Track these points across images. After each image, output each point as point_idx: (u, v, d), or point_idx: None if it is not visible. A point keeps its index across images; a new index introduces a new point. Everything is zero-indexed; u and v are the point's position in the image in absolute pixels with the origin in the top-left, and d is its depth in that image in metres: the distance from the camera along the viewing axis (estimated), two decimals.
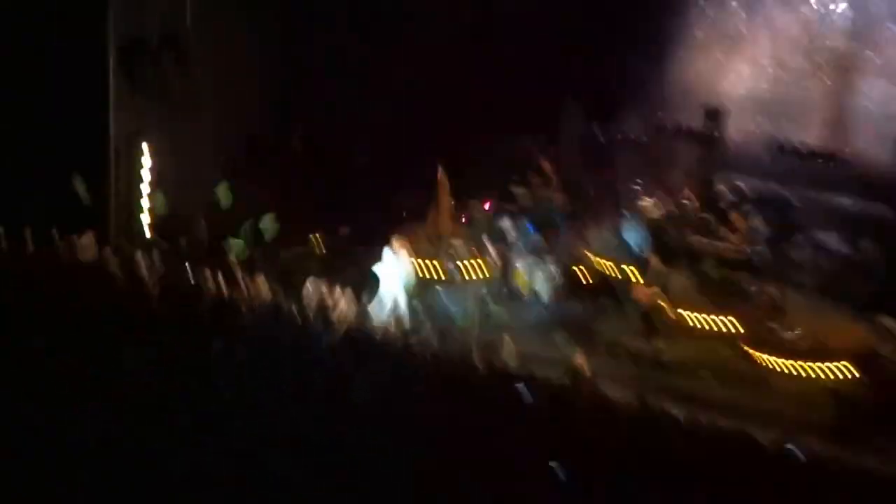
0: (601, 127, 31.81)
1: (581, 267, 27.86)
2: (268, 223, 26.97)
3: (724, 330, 25.67)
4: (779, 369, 24.29)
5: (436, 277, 26.57)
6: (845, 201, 30.42)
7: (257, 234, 27.20)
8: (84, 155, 26.13)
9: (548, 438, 17.04)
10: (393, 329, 22.38)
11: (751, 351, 24.76)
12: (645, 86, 32.09)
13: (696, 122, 31.96)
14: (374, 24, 29.78)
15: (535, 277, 26.65)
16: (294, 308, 22.08)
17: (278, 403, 16.46)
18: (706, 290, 26.61)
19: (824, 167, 30.74)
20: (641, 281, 25.67)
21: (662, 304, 25.71)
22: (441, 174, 27.40)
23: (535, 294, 26.65)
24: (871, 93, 32.15)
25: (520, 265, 26.81)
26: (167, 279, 22.12)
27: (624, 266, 27.40)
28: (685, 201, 29.54)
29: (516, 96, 29.40)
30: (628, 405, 19.52)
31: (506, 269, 26.80)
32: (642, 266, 26.00)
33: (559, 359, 22.74)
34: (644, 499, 15.49)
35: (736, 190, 30.65)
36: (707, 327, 25.80)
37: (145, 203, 27.28)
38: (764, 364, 24.45)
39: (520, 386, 19.24)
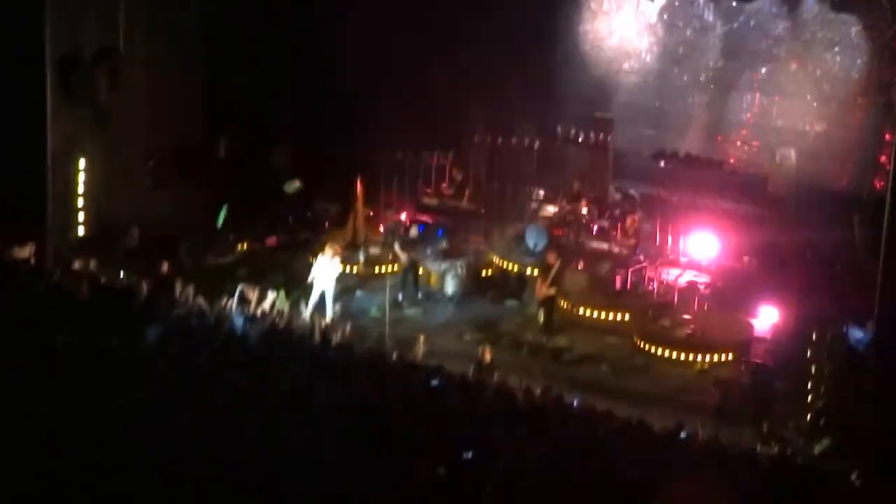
0: (502, 137, 31.95)
1: (487, 268, 28.17)
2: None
3: (618, 324, 26.19)
4: (668, 359, 24.82)
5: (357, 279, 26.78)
6: (725, 204, 30.95)
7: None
8: (22, 164, 26.04)
9: (457, 427, 17.42)
10: (317, 325, 22.52)
11: (642, 344, 25.25)
12: (542, 98, 32.32)
13: (589, 131, 32.20)
14: (299, 39, 29.73)
15: (445, 279, 26.91)
16: (220, 308, 22.42)
17: (203, 392, 16.65)
18: (602, 289, 27.00)
19: (705, 173, 31.18)
20: (542, 280, 25.83)
21: (562, 301, 26.07)
22: (358, 185, 27.62)
23: (445, 294, 26.93)
24: (746, 105, 32.81)
25: (431, 268, 27.03)
26: (101, 281, 22.23)
27: (526, 267, 27.79)
28: (581, 206, 29.76)
29: (425, 109, 29.53)
30: (528, 394, 19.97)
31: (416, 273, 27.03)
32: (543, 266, 26.19)
33: (468, 354, 23.27)
34: (543, 481, 15.85)
35: (626, 195, 31.13)
36: (603, 322, 26.31)
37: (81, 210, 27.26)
38: (655, 355, 24.94)
39: (433, 379, 19.72)
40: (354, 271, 27.49)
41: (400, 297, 26.46)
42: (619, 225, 29.19)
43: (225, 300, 22.76)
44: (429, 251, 27.51)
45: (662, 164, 31.35)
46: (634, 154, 32.62)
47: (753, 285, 27.17)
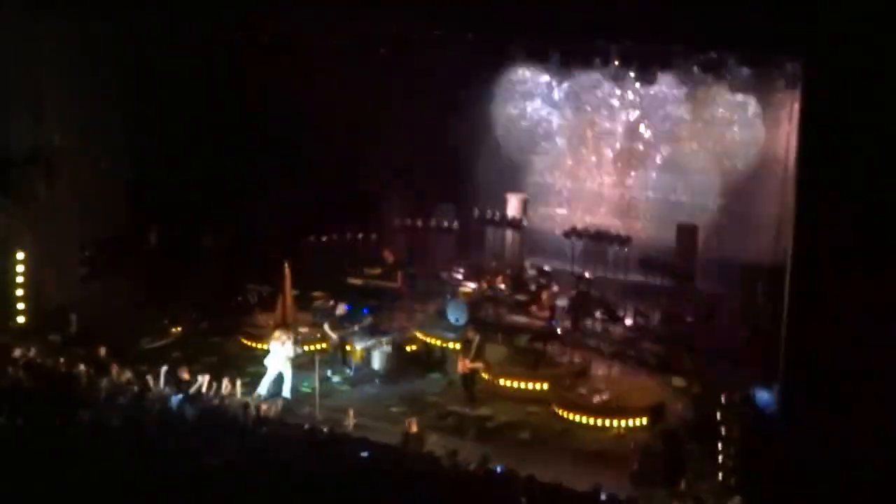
0: (420, 217, 32.75)
1: (411, 344, 28.77)
2: None
3: (536, 393, 26.70)
4: (586, 425, 25.32)
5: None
6: (633, 277, 31.79)
7: None
8: None
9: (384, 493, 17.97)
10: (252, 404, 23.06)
11: (561, 411, 25.75)
12: (459, 180, 33.15)
13: (503, 211, 33.05)
14: (225, 129, 30.32)
15: (372, 355, 27.48)
16: (155, 389, 22.91)
17: (140, 468, 17.11)
18: (521, 360, 27.64)
19: (615, 248, 32.02)
20: (463, 354, 26.47)
21: (483, 374, 26.75)
22: (286, 268, 28.17)
23: (372, 369, 27.47)
24: (654, 183, 33.72)
25: (358, 345, 27.56)
26: (42, 367, 22.64)
27: (448, 341, 28.48)
28: (499, 282, 30.49)
29: (348, 194, 30.25)
30: (450, 462, 20.53)
31: (345, 350, 27.59)
32: (464, 341, 26.83)
33: (394, 425, 23.82)
34: None
35: (541, 271, 31.91)
36: (522, 391, 26.82)
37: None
38: (573, 421, 25.44)
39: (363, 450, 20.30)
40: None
41: (329, 373, 27.03)
42: (535, 299, 29.87)
43: (154, 380, 23.33)
44: (356, 329, 28.02)
45: (572, 241, 32.20)
46: (547, 231, 33.43)
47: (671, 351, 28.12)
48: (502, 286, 30.44)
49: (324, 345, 27.80)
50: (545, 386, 26.78)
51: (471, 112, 33.91)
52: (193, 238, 30.73)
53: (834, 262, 21.10)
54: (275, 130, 30.54)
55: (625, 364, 28.30)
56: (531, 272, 32.05)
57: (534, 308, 29.47)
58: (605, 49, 30.96)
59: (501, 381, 26.95)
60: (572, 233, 32.51)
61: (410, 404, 26.06)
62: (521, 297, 30.14)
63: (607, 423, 25.25)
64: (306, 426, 22.53)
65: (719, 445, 23.06)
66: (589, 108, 34.28)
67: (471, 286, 30.84)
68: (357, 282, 31.42)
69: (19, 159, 27.01)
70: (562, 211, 34.44)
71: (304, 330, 28.08)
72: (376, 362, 27.42)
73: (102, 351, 24.56)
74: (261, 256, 30.22)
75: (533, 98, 34.78)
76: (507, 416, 25.83)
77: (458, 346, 27.54)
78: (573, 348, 28.51)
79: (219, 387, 23.87)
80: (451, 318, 29.28)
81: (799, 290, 21.96)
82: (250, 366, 27.38)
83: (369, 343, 27.57)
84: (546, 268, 32.02)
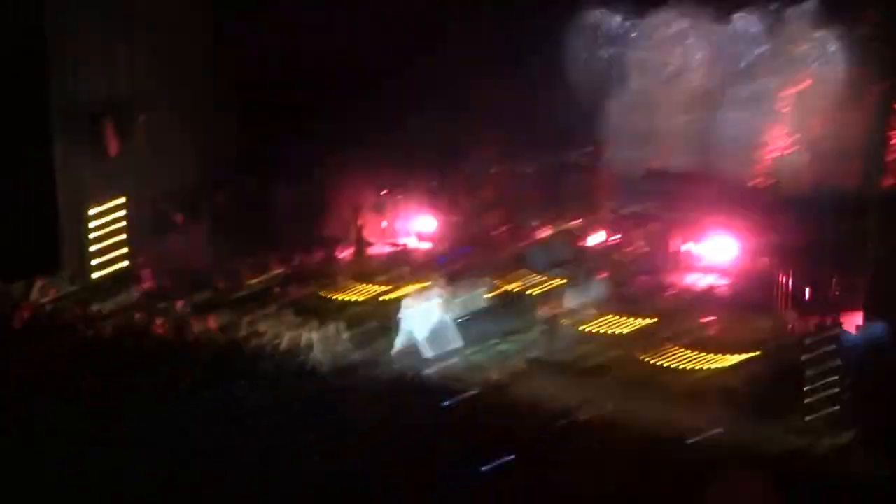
0: (501, 165, 32.64)
1: (497, 290, 28.79)
2: None
3: (629, 336, 26.62)
4: (688, 366, 25.19)
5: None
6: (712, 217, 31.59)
7: None
8: (35, 213, 26.71)
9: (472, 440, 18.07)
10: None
11: (650, 353, 25.66)
12: (536, 125, 33.00)
13: (584, 154, 32.94)
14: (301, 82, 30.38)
15: (460, 301, 27.39)
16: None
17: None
18: (609, 304, 27.52)
19: (700, 188, 31.79)
20: (551, 299, 26.44)
21: (568, 318, 26.78)
22: (362, 217, 28.23)
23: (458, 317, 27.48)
24: (735, 121, 33.43)
25: (444, 291, 27.53)
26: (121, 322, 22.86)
27: (533, 285, 28.37)
28: (583, 226, 30.45)
29: (428, 141, 30.23)
30: (540, 409, 20.57)
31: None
32: (551, 286, 26.78)
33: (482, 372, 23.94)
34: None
35: (625, 214, 31.79)
36: (613, 335, 26.76)
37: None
38: (673, 362, 25.33)
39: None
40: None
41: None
42: (620, 241, 29.80)
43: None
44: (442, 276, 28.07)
45: (654, 182, 32.03)
46: (627, 174, 33.25)
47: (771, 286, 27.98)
48: (583, 229, 30.29)
49: (407, 292, 27.77)
50: (637, 326, 26.69)
51: (546, 56, 33.65)
52: (271, 189, 30.75)
53: None
54: (355, 82, 30.49)
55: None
56: (615, 215, 31.92)
57: (620, 250, 29.41)
58: None
59: (589, 325, 26.88)
60: (653, 174, 32.28)
61: (499, 351, 26.10)
62: (605, 239, 30.04)
63: (718, 357, 25.14)
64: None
65: (834, 378, 22.96)
66: (663, 47, 33.96)
67: (554, 230, 30.72)
68: (441, 228, 31.33)
69: (93, 112, 27.09)
70: (642, 153, 34.15)
71: (384, 278, 28.11)
72: (462, 309, 27.29)
73: (180, 304, 24.68)
74: (339, 207, 30.18)
75: (611, 36, 34.49)
76: (594, 359, 25.76)
77: (544, 291, 27.43)
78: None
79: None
80: (535, 263, 29.21)
81: None
82: (329, 317, 27.52)
83: (455, 289, 27.52)
84: (629, 211, 31.87)
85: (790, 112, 32.43)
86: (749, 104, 33.10)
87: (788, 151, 32.19)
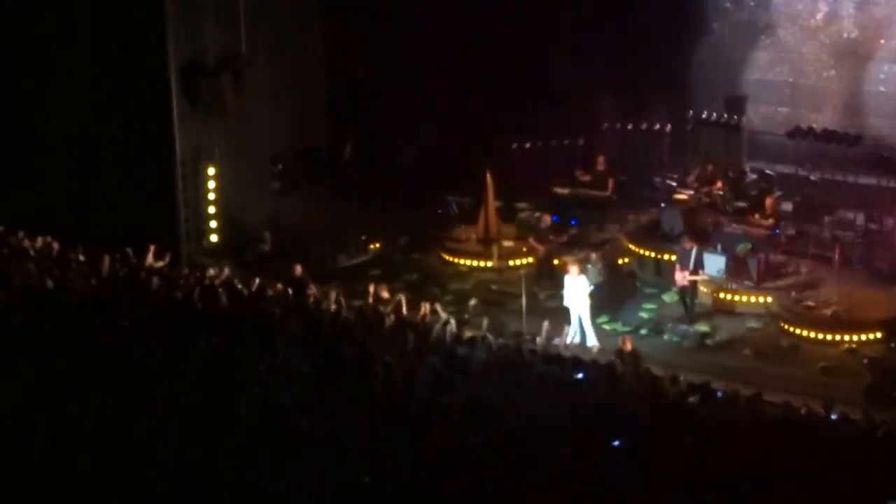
0: (633, 122, 31.98)
1: (624, 256, 28.19)
2: None
3: (763, 308, 26.06)
4: (816, 342, 24.69)
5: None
6: (863, 178, 30.65)
7: None
8: (152, 173, 26.78)
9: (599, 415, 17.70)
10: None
11: (787, 326, 25.16)
12: (672, 80, 32.27)
13: (720, 111, 32.11)
14: (420, 37, 29.91)
15: (585, 270, 26.78)
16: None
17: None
18: (742, 273, 26.82)
19: (844, 148, 30.88)
20: (680, 266, 25.84)
21: (701, 286, 26.08)
22: (487, 178, 27.85)
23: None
24: (884, 76, 32.44)
25: (566, 258, 26.94)
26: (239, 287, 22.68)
27: (663, 253, 27.77)
28: (717, 188, 29.66)
29: (551, 97, 29.73)
30: (671, 382, 20.07)
31: (552, 264, 27.08)
32: (679, 252, 26.18)
33: (609, 343, 23.47)
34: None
35: (763, 175, 31.00)
36: (746, 307, 26.21)
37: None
38: (800, 336, 24.85)
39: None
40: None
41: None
42: (757, 205, 28.99)
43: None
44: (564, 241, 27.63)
45: (797, 141, 31.14)
46: (769, 132, 32.41)
47: None
48: (721, 192, 29.54)
49: (529, 258, 27.36)
50: (769, 299, 26.00)
51: (684, 5, 32.84)
52: (390, 150, 30.46)
53: None
54: (476, 33, 30.02)
55: (855, 273, 27.20)
56: (752, 176, 31.10)
57: (756, 215, 28.62)
58: None
59: (722, 295, 26.29)
60: (796, 133, 31.35)
61: (623, 320, 25.77)
62: (741, 204, 29.21)
63: (838, 337, 24.58)
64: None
65: None
66: None
67: (687, 193, 29.99)
68: (564, 191, 30.80)
69: (209, 66, 27.03)
70: (784, 109, 33.28)
71: (507, 243, 27.72)
72: (587, 276, 26.79)
73: (299, 269, 24.50)
74: (461, 167, 29.73)
75: None
76: (729, 331, 25.39)
77: (673, 257, 26.80)
78: (800, 258, 27.56)
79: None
80: (667, 227, 28.49)
81: None
82: (452, 282, 27.20)
83: (579, 256, 27.00)
84: (768, 171, 31.06)
85: None
86: None
87: None
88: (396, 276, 27.09)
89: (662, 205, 29.73)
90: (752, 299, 26.23)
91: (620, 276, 27.43)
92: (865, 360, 23.54)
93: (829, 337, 24.65)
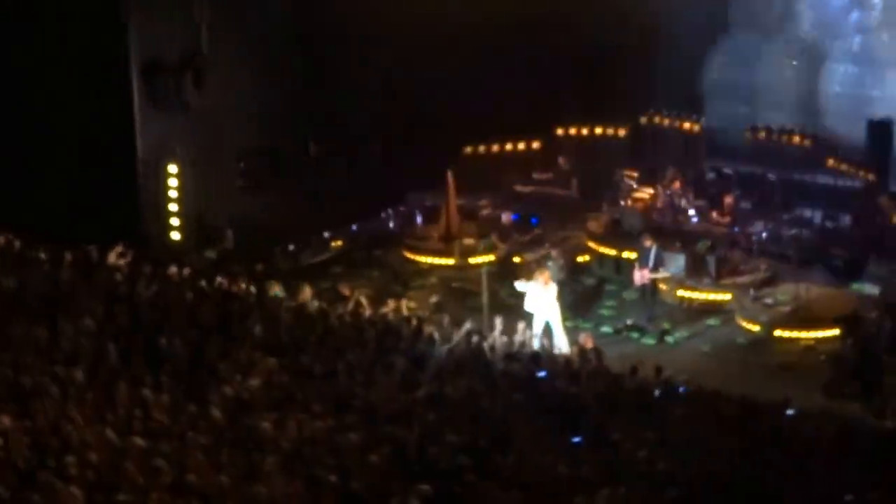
0: (593, 122, 32.11)
1: (584, 254, 28.34)
2: None
3: (720, 305, 26.35)
4: (773, 338, 24.91)
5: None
6: (821, 178, 30.93)
7: None
8: (113, 172, 26.69)
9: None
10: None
11: (745, 323, 25.35)
12: (632, 80, 32.45)
13: (681, 111, 32.29)
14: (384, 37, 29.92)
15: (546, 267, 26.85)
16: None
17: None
18: (700, 270, 27.09)
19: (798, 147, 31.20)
20: (640, 264, 26.04)
21: (661, 284, 26.28)
22: (449, 178, 27.98)
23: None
24: (840, 76, 32.78)
25: (528, 257, 27.15)
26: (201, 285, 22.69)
27: (623, 251, 27.91)
28: (676, 187, 29.87)
29: (514, 98, 29.86)
30: (630, 379, 20.27)
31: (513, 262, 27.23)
32: (640, 251, 26.38)
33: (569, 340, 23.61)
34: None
35: (722, 174, 31.27)
36: (704, 304, 26.50)
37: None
38: (758, 333, 25.08)
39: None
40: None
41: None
42: (715, 204, 29.24)
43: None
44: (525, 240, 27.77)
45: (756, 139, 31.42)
46: (728, 132, 32.66)
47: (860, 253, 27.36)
48: (680, 191, 29.75)
49: (491, 257, 27.49)
50: (728, 297, 26.22)
51: (645, 8, 32.98)
52: (354, 148, 30.49)
53: None
54: (439, 34, 30.07)
55: (812, 271, 27.45)
56: (711, 175, 31.36)
57: (714, 214, 28.86)
58: None
59: (681, 292, 26.51)
60: (754, 131, 31.64)
61: (583, 317, 25.99)
62: (699, 203, 29.44)
63: (796, 334, 24.75)
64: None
65: None
66: None
67: (647, 192, 30.21)
68: (525, 190, 30.96)
69: (170, 64, 26.97)
70: (743, 109, 33.55)
71: (469, 241, 27.84)
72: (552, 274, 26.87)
73: (260, 267, 24.53)
74: (423, 165, 29.85)
75: None
76: (688, 328, 25.69)
77: (633, 255, 26.94)
78: (758, 255, 27.86)
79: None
80: (626, 225, 28.67)
81: None
82: (414, 280, 27.37)
83: (539, 254, 27.16)
84: (727, 170, 31.33)
85: None
86: (857, 58, 32.51)
87: None
88: (359, 274, 27.21)
89: (622, 204, 29.96)
90: (712, 297, 26.48)
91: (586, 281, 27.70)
92: (823, 357, 23.87)
93: (787, 334, 24.83)
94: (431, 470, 14.86)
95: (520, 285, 24.46)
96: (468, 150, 30.83)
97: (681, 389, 20.32)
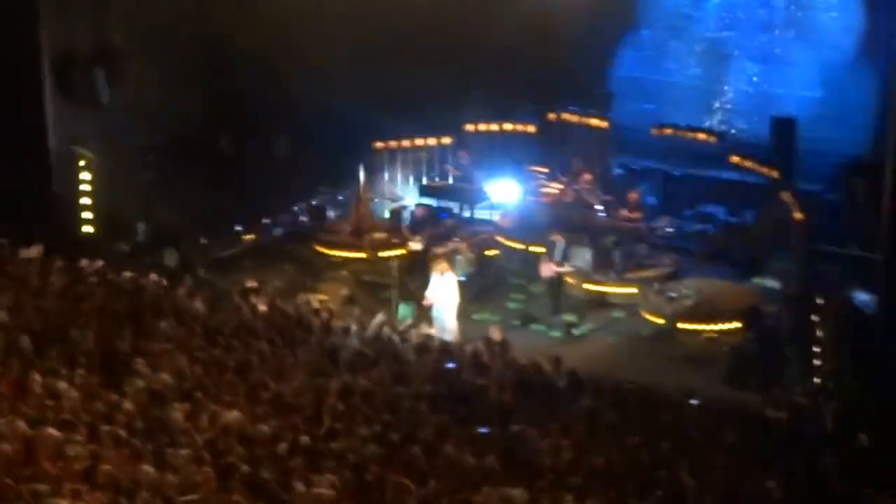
0: (500, 119, 32.28)
1: (492, 249, 28.65)
2: None
3: (624, 299, 26.73)
4: (677, 330, 25.37)
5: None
6: (724, 174, 31.41)
7: None
8: (24, 166, 26.61)
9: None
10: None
11: (649, 316, 25.78)
12: (539, 77, 32.67)
13: (588, 108, 32.56)
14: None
15: (454, 261, 27.16)
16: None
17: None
18: (606, 264, 27.44)
19: (704, 144, 31.62)
20: (547, 258, 26.43)
21: (567, 278, 26.67)
22: (361, 173, 28.21)
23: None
24: (745, 74, 33.32)
25: (437, 251, 27.39)
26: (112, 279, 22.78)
27: (531, 245, 28.18)
28: (584, 182, 30.18)
29: (422, 96, 30.09)
30: (536, 370, 20.62)
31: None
32: (548, 244, 26.75)
33: (478, 333, 23.89)
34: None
35: (629, 169, 31.70)
36: (610, 297, 26.87)
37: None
38: (662, 326, 25.50)
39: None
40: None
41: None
42: (622, 199, 29.66)
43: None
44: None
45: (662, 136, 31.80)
46: (634, 128, 33.02)
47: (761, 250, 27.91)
48: (587, 186, 30.11)
49: (403, 251, 27.73)
50: (634, 290, 26.70)
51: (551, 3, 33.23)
52: (265, 143, 30.63)
53: None
54: (347, 31, 30.22)
55: (716, 265, 27.99)
56: (617, 171, 31.79)
57: (621, 209, 29.28)
58: None
59: (587, 285, 26.89)
60: (660, 128, 32.05)
61: (492, 311, 26.27)
62: (607, 198, 29.86)
63: (698, 326, 25.21)
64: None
65: (815, 348, 22.95)
66: None
67: (554, 187, 30.55)
68: (437, 185, 31.26)
69: (82, 60, 26.95)
70: (649, 106, 33.97)
71: (380, 236, 28.08)
72: (459, 268, 27.20)
73: (173, 259, 24.65)
74: (334, 161, 30.09)
75: None
76: (594, 321, 26.09)
77: (541, 250, 27.32)
78: (662, 250, 28.37)
79: None
80: (535, 220, 29.02)
81: None
82: (325, 273, 27.56)
83: (449, 248, 27.45)
84: (633, 166, 31.79)
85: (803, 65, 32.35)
86: (762, 55, 33.06)
87: None
88: (270, 267, 27.42)
89: (531, 198, 30.26)
90: (617, 290, 26.94)
91: (489, 270, 28.04)
92: (726, 348, 24.38)
93: (690, 326, 25.29)
94: (341, 460, 15.18)
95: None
96: (379, 145, 30.98)
97: (586, 381, 20.66)
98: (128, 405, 15.97)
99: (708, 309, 25.53)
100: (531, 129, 32.19)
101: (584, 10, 32.43)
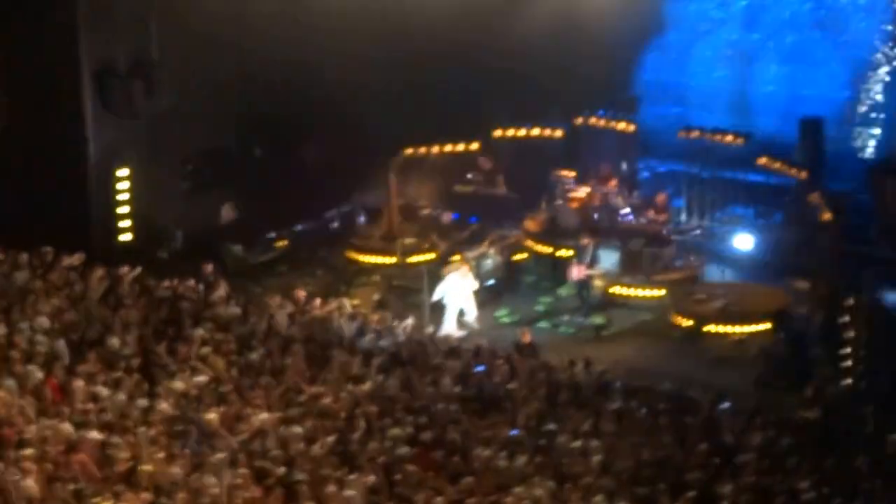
0: (528, 124, 32.31)
1: (521, 252, 28.79)
2: None
3: (654, 301, 26.83)
4: (708, 334, 25.36)
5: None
6: (754, 177, 31.46)
7: None
8: (65, 175, 26.99)
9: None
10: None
11: (680, 319, 25.81)
12: (566, 81, 32.72)
13: (614, 112, 32.58)
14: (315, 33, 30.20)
15: (482, 265, 27.45)
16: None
17: None
18: (635, 266, 27.55)
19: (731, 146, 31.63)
20: (577, 261, 26.59)
21: (597, 280, 26.85)
22: (391, 177, 28.41)
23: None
24: (771, 76, 33.39)
25: (467, 255, 27.52)
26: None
27: (559, 248, 28.32)
28: (611, 186, 30.27)
29: (450, 102, 30.24)
30: (567, 372, 20.80)
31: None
32: (576, 247, 26.91)
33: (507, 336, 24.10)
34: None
35: (656, 173, 31.76)
36: (639, 300, 26.96)
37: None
38: (693, 330, 25.48)
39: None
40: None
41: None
42: (649, 202, 29.78)
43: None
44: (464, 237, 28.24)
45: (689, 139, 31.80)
46: (661, 131, 33.04)
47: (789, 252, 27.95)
48: (615, 190, 30.20)
49: (431, 255, 27.92)
50: (662, 292, 26.81)
51: (577, 8, 33.32)
52: (298, 150, 30.85)
53: None
54: (376, 38, 30.42)
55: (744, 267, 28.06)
56: (644, 174, 31.87)
57: (648, 212, 29.36)
58: None
59: (616, 288, 27.02)
60: (687, 131, 32.06)
61: (521, 314, 26.47)
62: (634, 201, 29.95)
63: (727, 329, 25.24)
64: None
65: (846, 349, 22.96)
66: None
67: (582, 191, 30.64)
68: (465, 190, 31.41)
69: (120, 73, 27.30)
70: (676, 109, 34.05)
71: (410, 241, 28.26)
72: (486, 272, 27.43)
73: (209, 267, 24.90)
74: (365, 167, 30.31)
75: None
76: (623, 323, 26.19)
77: (570, 253, 27.48)
78: (690, 252, 28.50)
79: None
80: (562, 224, 29.13)
81: None
82: (357, 278, 27.89)
83: (478, 252, 27.60)
84: (660, 169, 31.86)
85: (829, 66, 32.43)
86: (788, 57, 33.13)
87: None
88: (304, 273, 27.76)
89: (559, 203, 30.32)
90: (645, 292, 27.04)
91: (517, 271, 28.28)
92: (755, 350, 24.43)
93: (719, 329, 25.31)
94: (373, 461, 15.42)
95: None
96: (409, 152, 31.14)
97: (617, 384, 20.81)
98: (166, 408, 16.26)
99: (737, 311, 25.56)
100: (559, 133, 32.20)
101: (611, 15, 32.67)
